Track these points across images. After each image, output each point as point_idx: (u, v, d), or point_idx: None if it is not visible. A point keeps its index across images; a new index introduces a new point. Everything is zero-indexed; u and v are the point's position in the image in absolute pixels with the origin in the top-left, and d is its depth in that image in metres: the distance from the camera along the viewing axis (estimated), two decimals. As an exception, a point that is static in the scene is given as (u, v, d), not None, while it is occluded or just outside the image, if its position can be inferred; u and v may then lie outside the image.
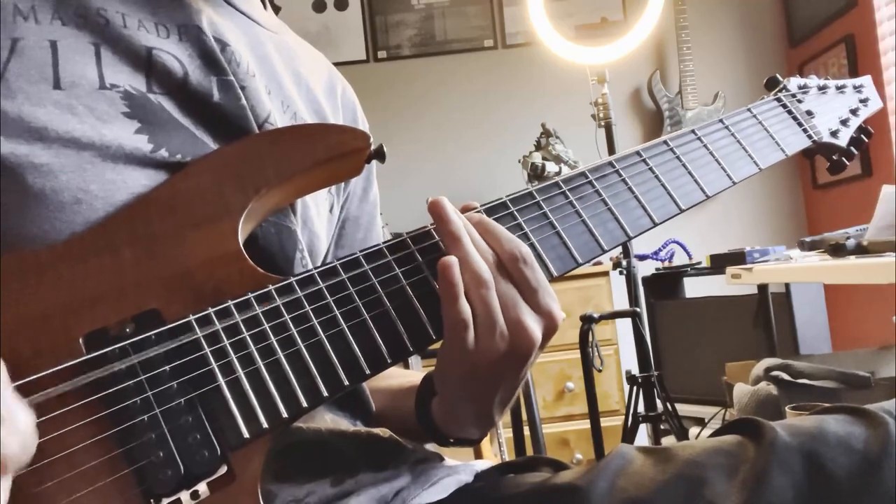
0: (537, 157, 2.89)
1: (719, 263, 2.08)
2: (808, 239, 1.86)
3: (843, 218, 2.50)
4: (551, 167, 2.85)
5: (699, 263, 2.69)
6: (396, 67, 3.37)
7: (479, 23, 3.40)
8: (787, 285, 2.47)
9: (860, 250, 1.51)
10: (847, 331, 2.91)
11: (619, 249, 2.24)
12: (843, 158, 0.88)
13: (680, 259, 2.82)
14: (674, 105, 3.26)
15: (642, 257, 2.58)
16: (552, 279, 0.58)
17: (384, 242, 0.56)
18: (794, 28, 3.31)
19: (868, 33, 2.78)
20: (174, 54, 0.58)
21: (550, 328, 0.55)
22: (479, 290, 0.52)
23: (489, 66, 3.37)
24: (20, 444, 0.37)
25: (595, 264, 2.82)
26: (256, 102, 0.61)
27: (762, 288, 2.39)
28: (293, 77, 0.70)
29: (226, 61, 0.60)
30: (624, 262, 2.21)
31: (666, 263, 2.81)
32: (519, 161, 2.98)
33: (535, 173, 2.84)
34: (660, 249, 2.75)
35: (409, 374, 0.74)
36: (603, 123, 2.27)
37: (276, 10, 3.26)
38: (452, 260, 0.53)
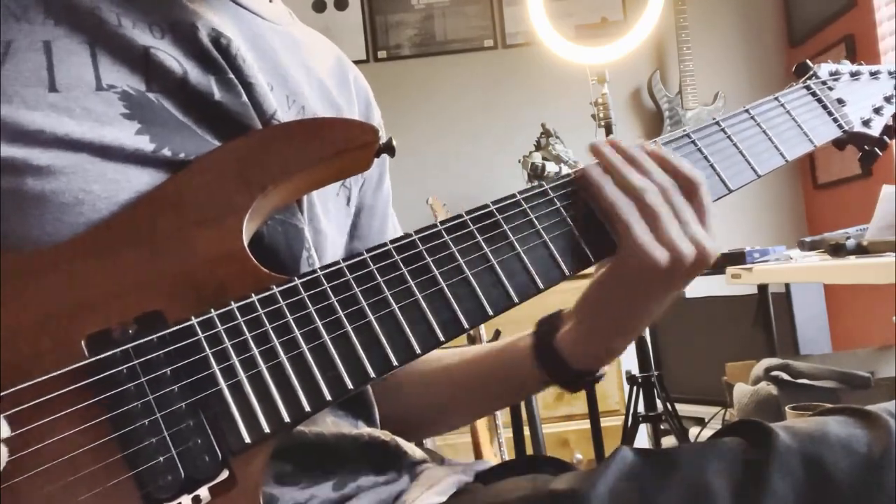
0: (537, 157, 2.89)
1: (719, 263, 2.07)
2: (808, 239, 1.86)
3: (843, 218, 2.50)
4: (551, 167, 2.85)
5: (699, 263, 2.68)
6: (396, 67, 3.36)
7: (479, 23, 3.39)
8: (787, 285, 2.47)
9: (860, 250, 1.51)
10: (847, 331, 2.91)
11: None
12: (876, 148, 0.84)
13: (680, 259, 2.81)
14: (674, 105, 3.26)
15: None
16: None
17: (392, 242, 0.54)
18: (794, 28, 3.30)
19: (868, 33, 2.78)
20: (171, 53, 0.57)
21: (715, 250, 0.59)
22: (640, 195, 0.58)
23: (489, 66, 3.37)
24: None
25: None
26: (263, 99, 0.60)
27: (762, 288, 2.39)
28: (302, 69, 0.68)
29: (229, 59, 0.59)
30: (624, 263, 2.20)
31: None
32: (519, 161, 2.98)
33: (535, 173, 2.84)
34: (660, 249, 2.74)
35: (474, 348, 0.75)
36: (603, 123, 2.26)
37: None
38: (587, 166, 0.60)
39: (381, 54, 3.36)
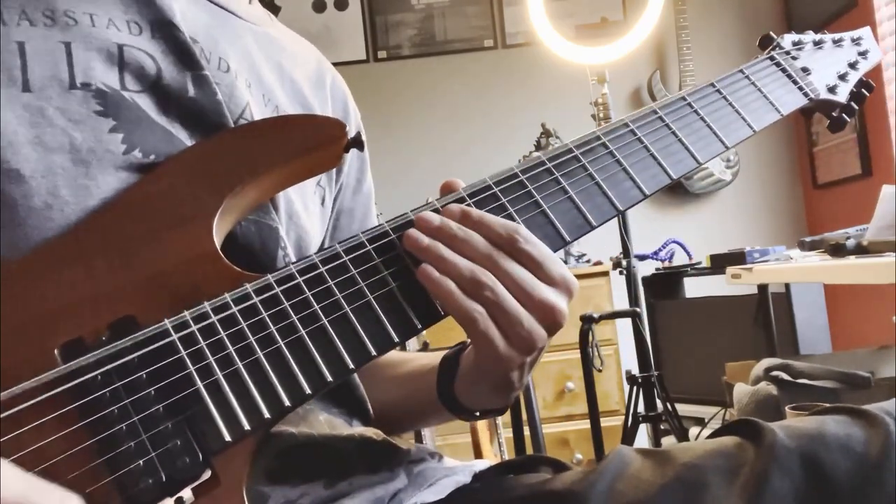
0: (537, 157, 2.89)
1: (719, 263, 2.08)
2: (808, 239, 1.85)
3: (843, 218, 2.50)
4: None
5: (699, 263, 2.68)
6: (396, 67, 3.36)
7: (479, 23, 3.39)
8: (787, 285, 2.47)
9: (860, 250, 1.51)
10: (847, 331, 2.91)
11: (619, 249, 2.24)
12: (844, 115, 0.84)
13: (680, 259, 2.82)
14: (674, 105, 3.25)
15: (642, 257, 2.57)
16: (564, 244, 0.58)
17: (363, 232, 0.54)
18: (794, 28, 3.27)
19: (868, 33, 2.78)
20: (146, 51, 0.57)
21: (570, 294, 0.54)
22: (482, 293, 0.52)
23: (489, 66, 3.37)
24: None
25: (595, 264, 2.82)
26: (231, 97, 0.60)
27: (762, 288, 2.39)
28: (276, 70, 0.69)
29: (203, 56, 0.59)
30: (624, 262, 2.21)
31: (666, 263, 2.80)
32: (519, 161, 2.98)
33: (535, 173, 2.84)
34: (660, 249, 2.75)
35: (419, 357, 0.74)
36: (603, 123, 2.26)
37: (276, 10, 3.27)
38: (424, 265, 0.52)
39: (381, 54, 3.36)
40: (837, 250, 1.55)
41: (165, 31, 0.59)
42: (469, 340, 0.59)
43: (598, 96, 2.27)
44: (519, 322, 0.52)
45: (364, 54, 3.34)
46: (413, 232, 0.54)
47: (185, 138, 0.57)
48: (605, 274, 2.76)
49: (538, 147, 2.97)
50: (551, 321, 0.53)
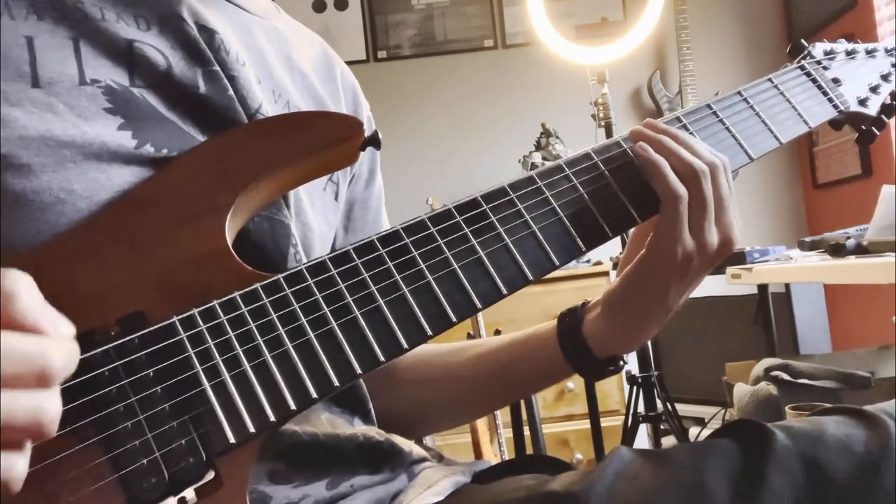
0: (537, 157, 2.89)
1: (719, 263, 2.07)
2: (808, 239, 1.85)
3: (843, 218, 2.50)
4: (551, 167, 2.84)
5: (699, 263, 2.68)
6: (396, 67, 3.36)
7: (479, 23, 3.39)
8: (787, 285, 2.47)
9: (860, 250, 1.51)
10: (847, 331, 2.91)
11: (619, 249, 2.24)
12: (874, 128, 0.81)
13: (680, 259, 2.81)
14: (674, 105, 3.25)
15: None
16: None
17: (376, 235, 0.54)
18: (794, 28, 3.30)
19: (868, 33, 2.77)
20: (156, 46, 0.57)
21: (738, 242, 0.62)
22: (696, 180, 0.59)
23: (489, 66, 3.37)
24: (66, 355, 0.37)
25: (595, 264, 2.82)
26: (246, 92, 0.59)
27: (762, 288, 2.39)
28: (285, 64, 0.68)
29: (213, 51, 0.59)
30: (624, 262, 2.20)
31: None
32: (519, 161, 2.98)
33: (535, 173, 2.83)
34: (660, 249, 2.74)
35: (492, 339, 0.75)
36: (603, 123, 2.26)
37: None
38: (642, 143, 0.61)
39: (381, 54, 3.36)
40: (837, 250, 1.55)
41: (174, 25, 0.58)
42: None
43: (598, 96, 2.27)
44: (709, 221, 0.59)
45: (364, 54, 3.34)
46: (640, 128, 0.62)
47: (196, 134, 0.56)
48: (605, 274, 2.75)
49: (538, 147, 2.96)
50: (728, 242, 0.61)
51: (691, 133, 0.66)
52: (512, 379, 0.72)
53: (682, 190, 0.58)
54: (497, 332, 1.64)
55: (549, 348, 0.68)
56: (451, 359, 0.74)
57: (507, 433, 1.90)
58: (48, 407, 0.35)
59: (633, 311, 0.64)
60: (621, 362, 0.68)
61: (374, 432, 0.64)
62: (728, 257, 0.61)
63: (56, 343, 0.36)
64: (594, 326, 0.66)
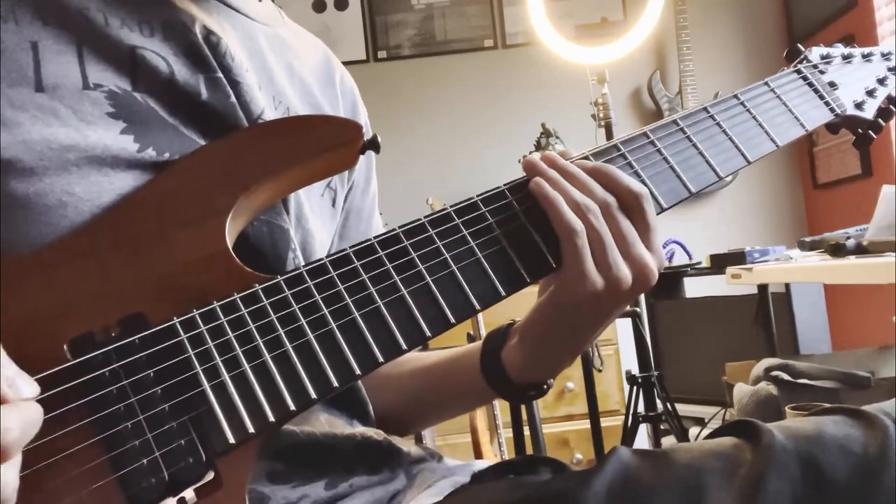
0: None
1: (719, 263, 2.07)
2: (808, 239, 1.86)
3: (843, 218, 2.50)
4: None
5: (699, 263, 2.68)
6: (396, 67, 3.36)
7: (479, 23, 3.39)
8: (787, 285, 2.47)
9: (860, 250, 1.51)
10: (847, 331, 2.91)
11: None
12: (870, 131, 0.82)
13: (680, 259, 2.82)
14: (674, 105, 3.25)
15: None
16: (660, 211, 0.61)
17: (375, 238, 0.54)
18: (794, 28, 3.30)
19: (868, 33, 2.78)
20: (159, 53, 0.57)
21: (660, 270, 0.58)
22: (587, 215, 0.56)
23: (489, 66, 3.37)
24: (22, 423, 0.35)
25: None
26: (250, 99, 0.60)
27: (762, 288, 2.39)
28: (286, 71, 0.68)
29: (219, 57, 0.59)
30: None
31: (666, 263, 2.80)
32: (519, 161, 2.98)
33: (535, 173, 2.83)
34: (660, 249, 2.74)
35: (431, 353, 0.74)
36: (603, 123, 2.26)
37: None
38: (538, 180, 0.57)
39: (381, 54, 3.36)
40: (837, 250, 1.55)
41: (178, 32, 0.58)
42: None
43: (598, 96, 2.27)
44: (614, 257, 0.56)
45: (364, 54, 3.34)
46: (532, 159, 0.59)
47: (197, 139, 0.57)
48: (605, 274, 2.75)
49: (538, 147, 2.97)
50: (643, 277, 0.56)
51: (628, 161, 0.63)
52: (441, 395, 0.72)
53: (577, 225, 0.55)
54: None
55: (473, 369, 0.67)
56: (392, 370, 0.74)
57: (507, 433, 1.90)
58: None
59: (545, 344, 0.63)
60: (544, 386, 0.66)
61: (373, 432, 0.64)
62: (647, 290, 0.58)
63: (12, 411, 0.35)
64: (512, 354, 0.65)
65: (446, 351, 0.72)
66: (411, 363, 0.74)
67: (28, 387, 0.37)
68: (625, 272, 0.56)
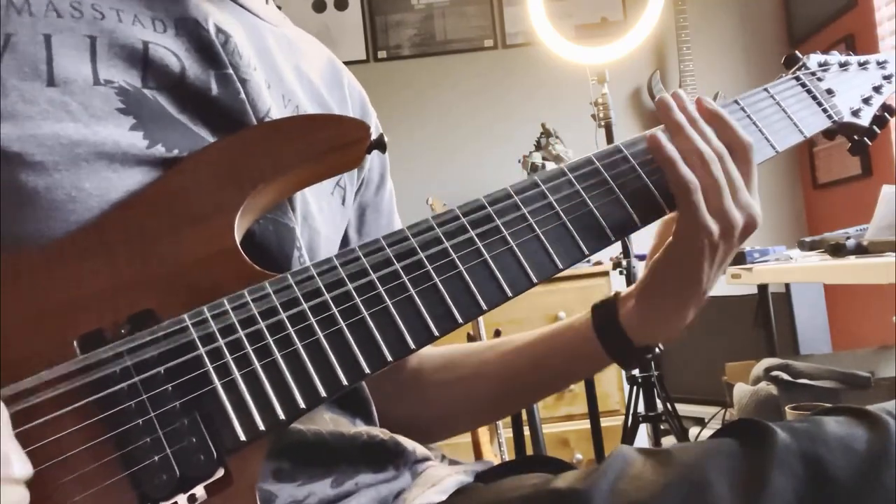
0: (537, 157, 2.89)
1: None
2: (808, 239, 1.86)
3: (843, 218, 2.50)
4: (551, 167, 2.84)
5: (699, 263, 2.68)
6: (396, 67, 3.36)
7: (479, 23, 3.40)
8: (787, 285, 2.47)
9: (860, 250, 1.51)
10: (847, 331, 2.91)
11: (619, 249, 2.24)
12: (866, 138, 0.84)
13: (680, 259, 2.81)
14: (674, 105, 3.26)
15: (642, 257, 2.57)
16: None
17: (383, 237, 0.54)
18: (794, 28, 3.30)
19: (868, 33, 2.78)
20: (171, 49, 0.57)
21: (760, 216, 0.63)
22: (706, 166, 0.60)
23: (489, 66, 3.37)
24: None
25: (595, 264, 2.82)
26: (257, 96, 0.60)
27: (762, 288, 2.39)
28: (294, 71, 0.69)
29: (227, 54, 0.59)
30: (624, 262, 2.21)
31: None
32: (519, 161, 2.98)
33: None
34: (660, 249, 2.74)
35: (517, 336, 0.76)
36: (603, 123, 2.27)
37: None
38: (657, 133, 0.62)
39: (381, 54, 3.36)
40: (837, 250, 1.55)
41: (190, 28, 0.59)
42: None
43: (598, 96, 2.27)
44: (728, 203, 0.60)
45: (364, 54, 3.35)
46: (668, 100, 0.64)
47: (206, 136, 0.57)
48: (605, 274, 2.75)
49: (538, 147, 2.96)
50: (751, 221, 0.62)
51: (748, 115, 0.70)
52: (545, 372, 0.74)
53: (693, 181, 0.60)
54: (497, 333, 1.64)
55: (586, 340, 0.71)
56: (482, 357, 0.76)
57: (507, 433, 1.90)
58: None
59: (668, 299, 0.66)
60: (657, 349, 0.70)
61: (378, 431, 0.64)
62: (752, 229, 0.63)
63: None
64: (631, 317, 0.69)
65: (533, 332, 0.75)
66: (501, 347, 0.76)
67: (20, 466, 0.37)
68: (737, 217, 0.61)
